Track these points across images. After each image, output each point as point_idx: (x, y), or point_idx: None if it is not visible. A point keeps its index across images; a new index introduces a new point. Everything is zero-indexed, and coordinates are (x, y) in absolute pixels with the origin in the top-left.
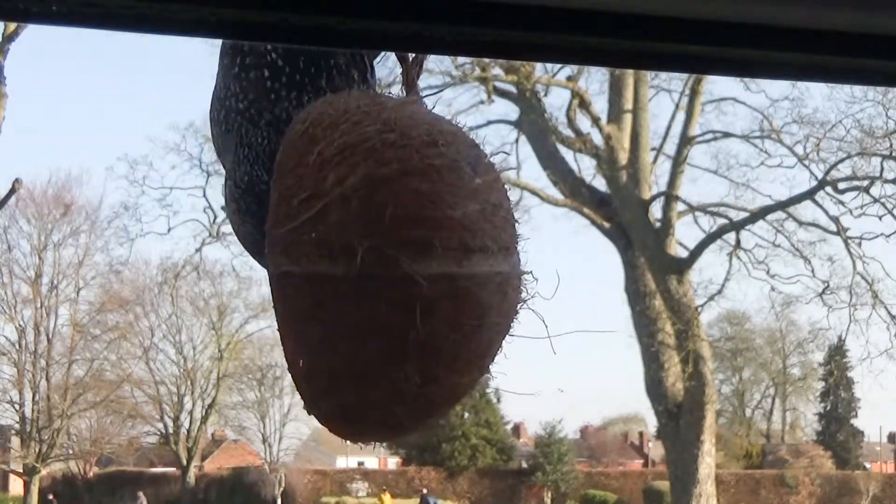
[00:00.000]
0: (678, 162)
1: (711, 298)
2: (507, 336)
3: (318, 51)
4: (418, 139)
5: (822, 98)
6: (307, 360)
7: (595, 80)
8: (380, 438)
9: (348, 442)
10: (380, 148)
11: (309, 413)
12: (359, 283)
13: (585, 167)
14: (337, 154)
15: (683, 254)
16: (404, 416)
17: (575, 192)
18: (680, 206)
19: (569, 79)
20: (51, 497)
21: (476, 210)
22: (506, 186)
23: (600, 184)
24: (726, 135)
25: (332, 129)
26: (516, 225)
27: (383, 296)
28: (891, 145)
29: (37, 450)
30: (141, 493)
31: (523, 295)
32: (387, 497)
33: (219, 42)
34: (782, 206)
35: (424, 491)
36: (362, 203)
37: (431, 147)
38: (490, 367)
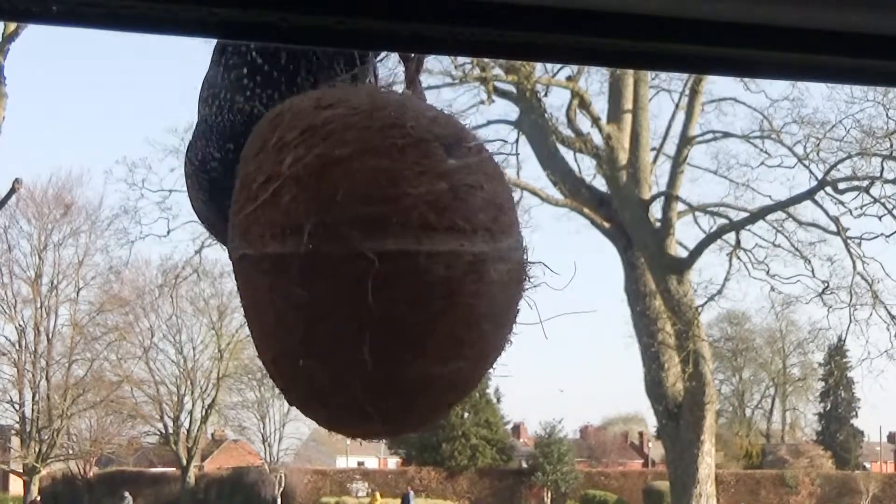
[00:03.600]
0: (678, 162)
1: (711, 298)
2: (504, 326)
3: (302, 52)
4: (383, 120)
5: (822, 98)
6: (269, 345)
7: (595, 80)
8: (357, 430)
9: (330, 432)
10: (340, 130)
11: (289, 403)
12: (308, 262)
13: (585, 167)
14: (297, 136)
15: (683, 254)
16: (369, 403)
17: (575, 192)
18: (680, 206)
19: (569, 79)
20: (38, 498)
21: (443, 189)
22: (501, 172)
23: (600, 184)
24: (726, 135)
25: (298, 115)
26: (510, 210)
27: (334, 274)
28: (891, 145)
29: (37, 450)
30: (127, 493)
31: (525, 284)
32: (378, 496)
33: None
34: (782, 206)
35: (411, 491)
36: (314, 182)
37: (396, 128)
38: (484, 356)
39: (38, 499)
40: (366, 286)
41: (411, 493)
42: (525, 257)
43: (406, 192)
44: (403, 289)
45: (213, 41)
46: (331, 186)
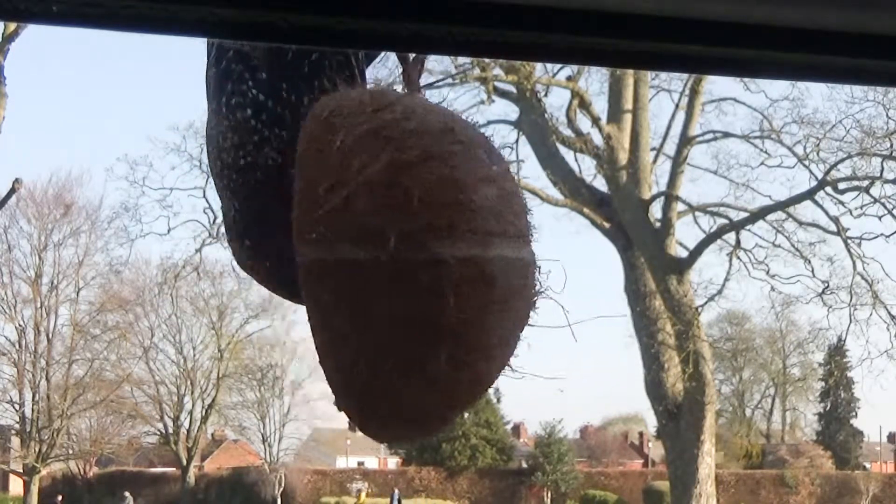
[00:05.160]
0: (678, 162)
1: (711, 298)
2: (524, 326)
3: (303, 79)
4: (436, 126)
5: (822, 98)
6: (338, 351)
7: (595, 80)
8: (409, 434)
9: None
10: (400, 135)
11: (339, 409)
12: (389, 269)
13: (585, 167)
14: (358, 141)
15: (683, 254)
16: (435, 405)
17: (575, 192)
18: (680, 206)
19: (569, 79)
20: (59, 498)
21: (495, 195)
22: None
23: (600, 184)
24: (726, 135)
25: (352, 117)
26: (529, 215)
27: (414, 280)
28: (891, 145)
29: (37, 450)
30: (128, 493)
31: (538, 286)
32: (363, 496)
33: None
34: (782, 206)
35: (396, 491)
36: (388, 188)
37: (449, 134)
38: (511, 355)
39: (60, 499)
40: (442, 292)
41: (397, 492)
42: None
43: (472, 199)
44: (473, 294)
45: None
46: (403, 192)
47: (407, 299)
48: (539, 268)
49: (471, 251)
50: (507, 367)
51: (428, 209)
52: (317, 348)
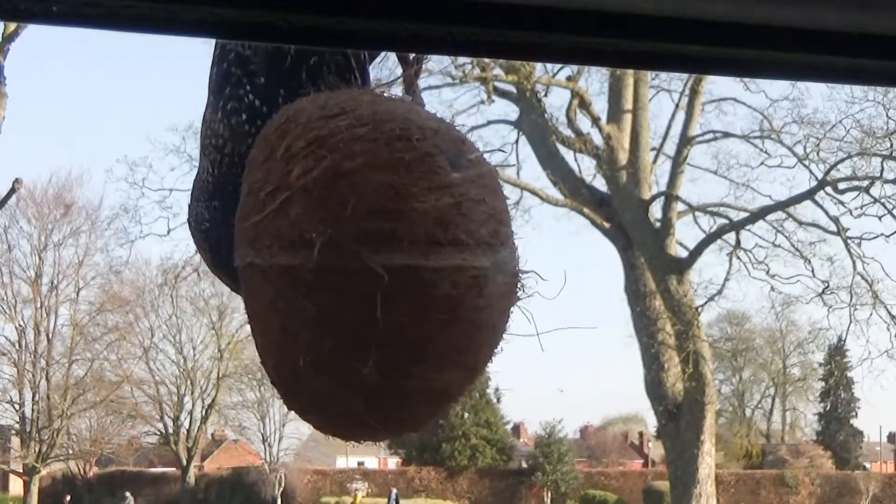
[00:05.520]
0: (678, 162)
1: (711, 298)
2: (497, 336)
3: (301, 84)
4: (389, 133)
5: (822, 98)
6: (271, 352)
7: (595, 80)
8: (354, 434)
9: (330, 437)
10: (347, 142)
11: (289, 409)
12: (316, 275)
13: (585, 167)
14: (305, 147)
15: (683, 254)
16: (368, 412)
17: (575, 192)
18: (680, 206)
19: (569, 79)
20: (68, 498)
21: (449, 203)
22: (499, 184)
23: (600, 184)
24: (726, 135)
25: (305, 123)
26: (508, 223)
27: (341, 287)
28: (891, 145)
29: (37, 450)
30: (128, 494)
31: (518, 294)
32: (360, 496)
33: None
34: (782, 206)
35: (394, 490)
36: (323, 195)
37: (402, 141)
38: (477, 366)
39: (69, 499)
40: (373, 301)
41: (395, 492)
42: (519, 267)
43: (413, 208)
44: (408, 303)
45: (212, 41)
46: (339, 200)
47: (336, 306)
48: (519, 276)
49: (408, 260)
50: (469, 378)
51: (363, 217)
52: (257, 348)
